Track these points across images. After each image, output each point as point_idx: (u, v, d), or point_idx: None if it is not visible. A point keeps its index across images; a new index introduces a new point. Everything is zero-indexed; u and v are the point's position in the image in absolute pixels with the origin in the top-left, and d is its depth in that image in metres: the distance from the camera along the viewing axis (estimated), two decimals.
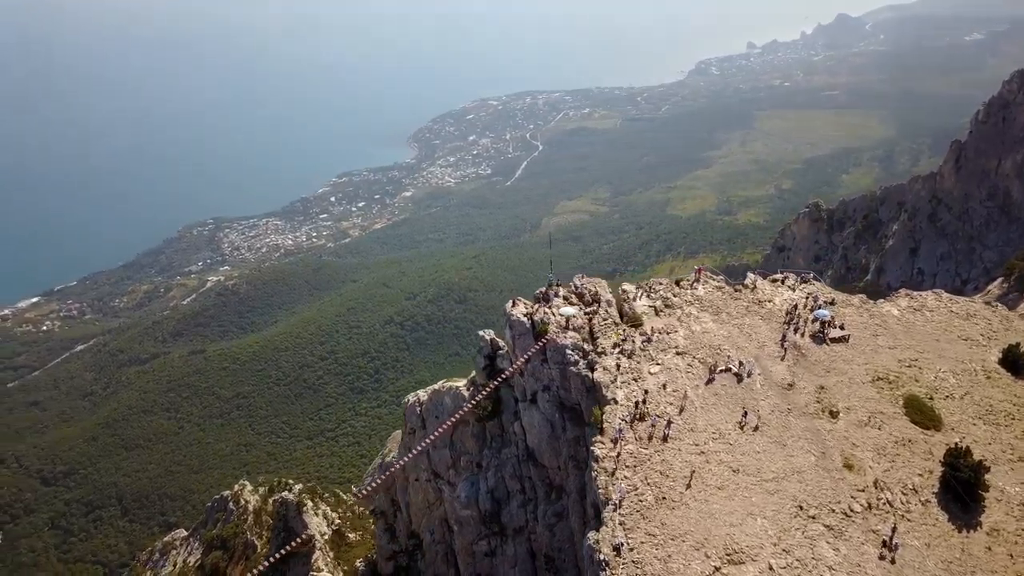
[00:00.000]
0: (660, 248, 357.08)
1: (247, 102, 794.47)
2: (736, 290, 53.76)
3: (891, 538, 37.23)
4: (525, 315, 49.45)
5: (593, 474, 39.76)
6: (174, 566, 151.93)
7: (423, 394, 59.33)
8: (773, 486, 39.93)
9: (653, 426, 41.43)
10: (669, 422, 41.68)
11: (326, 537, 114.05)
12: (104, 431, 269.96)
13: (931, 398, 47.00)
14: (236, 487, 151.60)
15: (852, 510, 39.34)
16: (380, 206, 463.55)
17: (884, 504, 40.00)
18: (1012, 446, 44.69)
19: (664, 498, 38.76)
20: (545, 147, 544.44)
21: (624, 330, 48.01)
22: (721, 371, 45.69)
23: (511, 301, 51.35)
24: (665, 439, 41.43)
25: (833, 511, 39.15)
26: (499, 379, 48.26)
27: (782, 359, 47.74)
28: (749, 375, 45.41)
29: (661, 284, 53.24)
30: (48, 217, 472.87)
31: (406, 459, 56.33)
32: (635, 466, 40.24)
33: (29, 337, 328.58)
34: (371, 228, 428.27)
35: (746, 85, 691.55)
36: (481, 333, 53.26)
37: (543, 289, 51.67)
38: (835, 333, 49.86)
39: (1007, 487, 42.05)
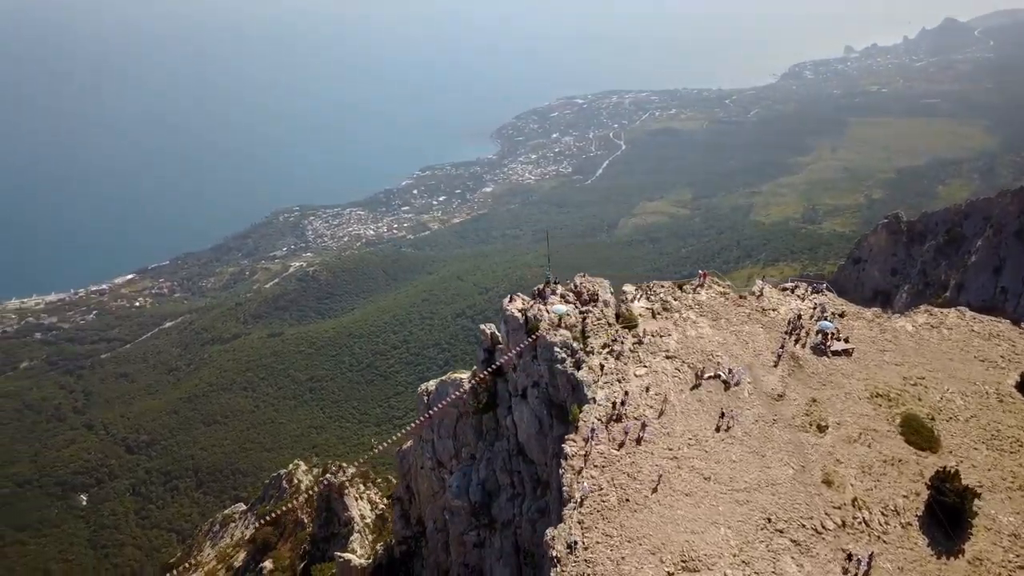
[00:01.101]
0: (739, 254, 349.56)
1: (338, 95, 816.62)
2: (741, 297, 52.85)
3: (868, 563, 36.08)
4: (520, 311, 49.95)
5: (560, 471, 40.03)
6: (231, 538, 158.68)
7: (432, 384, 60.61)
8: (744, 496, 39.34)
9: (627, 429, 41.32)
10: (644, 425, 41.54)
11: (367, 521, 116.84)
12: (185, 405, 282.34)
13: (932, 419, 45.21)
14: (291, 466, 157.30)
15: (824, 527, 38.38)
16: (460, 201, 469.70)
17: (860, 523, 38.84)
18: (1014, 474, 42.59)
19: (627, 500, 38.72)
20: (628, 147, 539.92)
21: (617, 331, 47.92)
22: (708, 377, 45.14)
23: (509, 296, 51.94)
24: (639, 441, 41.31)
25: (803, 526, 38.29)
26: (486, 372, 48.89)
27: (776, 369, 46.72)
28: (737, 383, 44.72)
29: (663, 287, 52.84)
30: (145, 200, 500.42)
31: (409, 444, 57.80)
32: (603, 466, 40.30)
33: (123, 312, 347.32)
34: (450, 222, 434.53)
35: (841, 90, 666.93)
36: (482, 327, 54.09)
37: (541, 286, 52.03)
38: (838, 346, 48.44)
39: (1000, 516, 40.15)
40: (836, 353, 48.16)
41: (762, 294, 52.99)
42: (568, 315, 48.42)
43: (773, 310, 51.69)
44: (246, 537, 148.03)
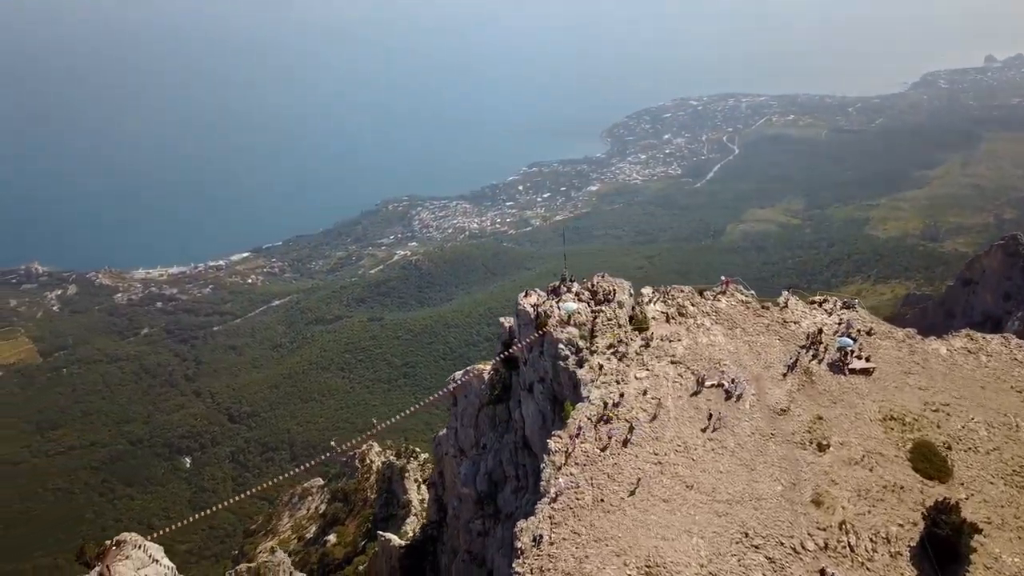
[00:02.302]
0: (850, 268, 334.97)
1: (456, 91, 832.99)
2: (763, 307, 51.43)
3: None
4: (533, 306, 50.43)
5: (542, 465, 40.43)
6: (307, 510, 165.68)
7: (459, 374, 61.84)
8: (724, 508, 38.60)
9: (610, 432, 41.17)
10: (632, 427, 41.36)
11: (425, 503, 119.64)
12: (286, 381, 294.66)
13: (949, 448, 42.88)
14: (364, 447, 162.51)
15: (804, 547, 37.19)
16: (565, 198, 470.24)
17: (844, 548, 37.38)
18: None
19: (602, 500, 38.70)
20: (742, 151, 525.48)
21: (626, 332, 47.71)
22: (710, 385, 44.38)
23: (525, 291, 52.48)
24: (625, 444, 41.16)
25: (782, 544, 37.24)
26: (498, 363, 49.62)
27: (785, 382, 45.40)
28: (740, 394, 43.77)
29: (682, 291, 52.08)
30: (265, 183, 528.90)
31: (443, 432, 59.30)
32: (584, 465, 40.42)
33: (236, 288, 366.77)
34: (552, 219, 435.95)
35: (977, 102, 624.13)
36: (501, 320, 54.93)
37: (556, 282, 52.33)
38: (857, 364, 46.54)
39: (1004, 555, 37.79)
40: (854, 371, 46.30)
41: (786, 305, 51.44)
42: (579, 313, 48.56)
43: (795, 323, 50.12)
44: (319, 511, 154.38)
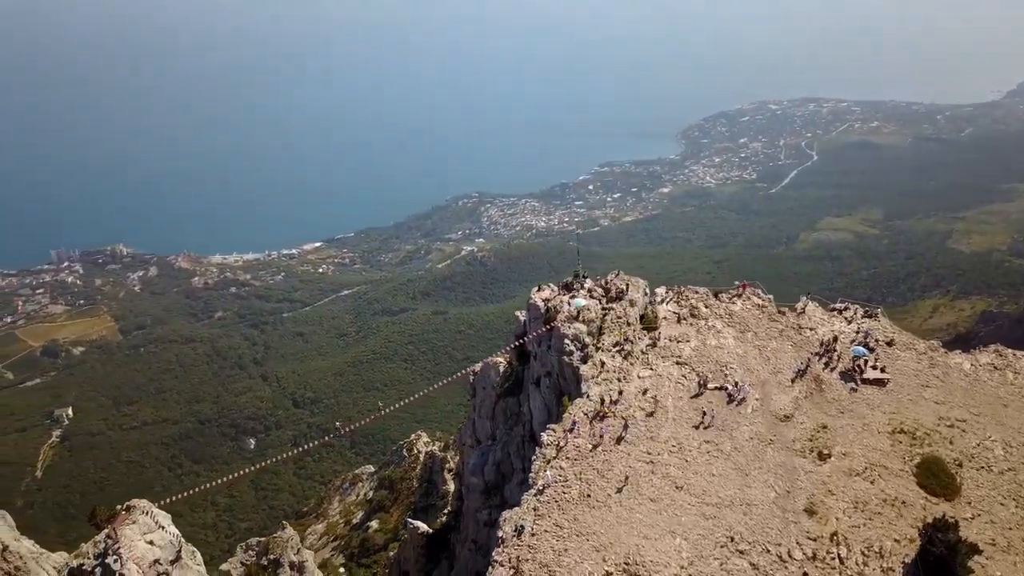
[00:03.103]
0: (928, 282, 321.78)
1: (532, 90, 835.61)
2: (780, 312, 50.39)
3: None
4: (544, 300, 50.63)
5: (533, 457, 40.70)
6: (356, 496, 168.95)
7: (478, 366, 62.48)
8: (712, 511, 38.17)
9: (602, 430, 41.08)
10: (627, 425, 41.22)
11: None
12: (349, 369, 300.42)
13: (960, 465, 41.36)
14: (413, 436, 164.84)
15: (791, 555, 36.52)
16: (635, 199, 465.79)
17: (833, 559, 36.55)
18: None
19: (589, 496, 38.73)
20: (820, 157, 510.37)
21: (634, 331, 47.49)
22: (713, 388, 43.82)
23: (538, 286, 52.74)
24: (619, 441, 41.07)
25: (768, 551, 36.65)
26: (512, 356, 50.02)
27: (792, 389, 44.48)
28: (743, 398, 43.11)
29: (697, 292, 51.46)
30: (340, 176, 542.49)
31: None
32: (575, 459, 40.51)
33: (307, 276, 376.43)
34: (621, 220, 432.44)
35: None
36: (517, 313, 55.22)
37: (570, 278, 52.35)
38: (871, 374, 45.23)
39: None
40: (867, 381, 45.03)
41: (804, 311, 50.28)
42: (588, 309, 48.56)
43: (810, 329, 49.00)
44: (367, 497, 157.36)
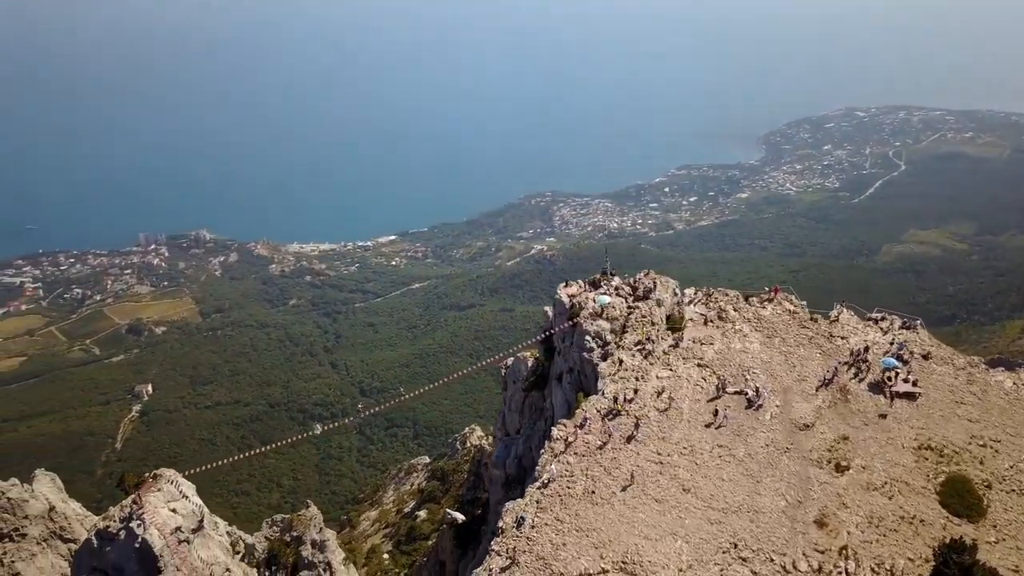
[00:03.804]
0: (1018, 302, 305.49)
1: (605, 86, 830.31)
2: (812, 319, 48.92)
3: None
4: (570, 296, 50.48)
5: (541, 451, 40.75)
6: (410, 486, 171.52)
7: (510, 360, 62.73)
8: (718, 516, 37.48)
9: (611, 428, 40.77)
10: (638, 424, 40.83)
11: None
12: (416, 361, 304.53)
13: (988, 486, 39.48)
14: (467, 429, 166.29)
15: (795, 567, 35.58)
16: (711, 203, 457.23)
17: (840, 573, 35.46)
18: None
19: (593, 492, 38.52)
20: (908, 168, 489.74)
21: (657, 331, 46.92)
22: (733, 392, 42.96)
23: (565, 281, 52.60)
24: (629, 440, 40.71)
25: (771, 560, 35.79)
26: (541, 340, 50.16)
27: (816, 397, 43.22)
28: (761, 404, 42.14)
29: (726, 295, 50.43)
30: (416, 170, 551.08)
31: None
32: (583, 455, 40.34)
33: (380, 268, 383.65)
34: (696, 223, 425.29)
35: None
36: (545, 309, 55.17)
37: (598, 275, 52.01)
38: (902, 387, 43.53)
39: None
40: (897, 394, 43.36)
41: (837, 319, 48.71)
42: (612, 307, 48.19)
43: (842, 338, 47.41)
44: (420, 487, 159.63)
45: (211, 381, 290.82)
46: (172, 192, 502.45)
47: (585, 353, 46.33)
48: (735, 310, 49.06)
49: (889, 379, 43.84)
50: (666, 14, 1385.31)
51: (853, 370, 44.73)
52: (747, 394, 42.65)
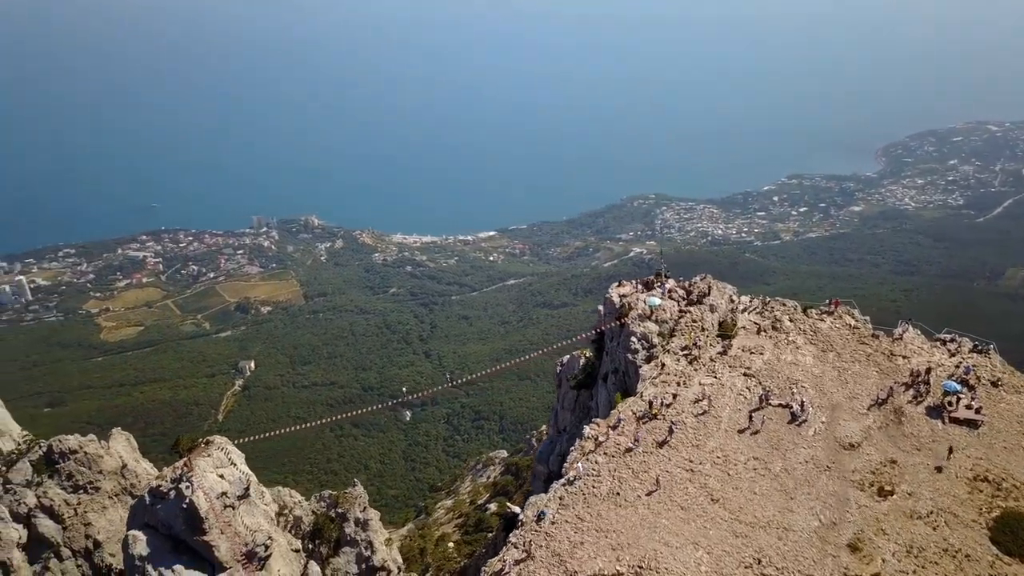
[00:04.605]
0: None
1: (715, 90, 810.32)
2: (873, 335, 46.48)
3: None
4: (620, 296, 49.80)
5: (571, 448, 40.54)
6: (486, 479, 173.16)
7: (565, 358, 62.50)
8: (744, 529, 36.31)
9: (639, 434, 40.06)
10: (671, 430, 40.00)
11: None
12: (506, 356, 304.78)
13: None
14: (543, 427, 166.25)
15: None
16: (822, 215, 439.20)
17: None
18: None
19: (618, 494, 38.01)
20: None
21: (707, 336, 45.75)
22: (776, 404, 41.43)
23: (619, 281, 51.91)
24: (661, 445, 39.95)
25: None
26: (591, 337, 49.76)
27: (867, 417, 41.16)
28: (806, 419, 40.50)
29: (784, 305, 48.53)
30: (519, 168, 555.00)
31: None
32: (613, 456, 39.85)
33: (478, 263, 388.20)
34: (805, 235, 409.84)
35: None
36: (599, 307, 54.59)
37: (652, 276, 51.07)
38: (964, 413, 40.88)
39: None
40: (957, 420, 40.78)
41: (900, 337, 46.14)
42: (662, 309, 47.27)
43: (904, 357, 44.86)
44: (494, 480, 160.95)
45: (309, 362, 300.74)
46: (285, 179, 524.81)
47: (629, 354, 45.68)
48: (791, 321, 47.27)
49: (950, 404, 41.29)
50: (775, 14, 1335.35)
51: (911, 392, 42.32)
52: (791, 407, 41.06)
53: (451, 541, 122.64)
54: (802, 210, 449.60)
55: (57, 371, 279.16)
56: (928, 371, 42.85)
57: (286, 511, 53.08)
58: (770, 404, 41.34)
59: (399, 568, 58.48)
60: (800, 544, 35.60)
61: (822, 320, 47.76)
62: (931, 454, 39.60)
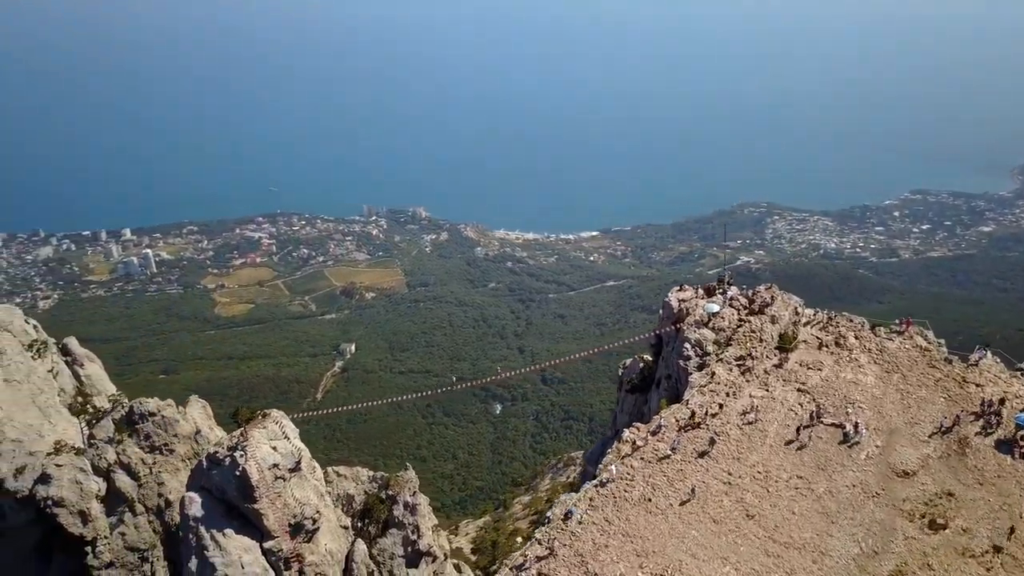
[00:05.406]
0: None
1: (833, 97, 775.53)
2: (947, 360, 43.56)
3: None
4: (680, 301, 48.63)
5: (608, 450, 40.03)
6: (565, 478, 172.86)
7: (627, 361, 61.61)
8: (778, 549, 34.92)
9: (675, 443, 39.06)
10: (713, 440, 38.88)
11: None
12: (599, 358, 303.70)
13: None
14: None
15: None
16: (947, 234, 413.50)
17: None
18: None
19: (649, 500, 37.26)
20: None
21: (765, 348, 44.11)
22: (828, 423, 39.56)
23: (680, 285, 50.71)
24: (701, 455, 38.88)
25: None
26: (653, 341, 48.93)
27: (927, 445, 38.74)
28: (858, 442, 38.53)
29: (850, 321, 46.07)
30: (627, 169, 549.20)
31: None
32: (649, 461, 39.07)
33: (578, 262, 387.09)
34: (925, 254, 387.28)
35: None
36: (659, 311, 53.51)
37: (715, 282, 49.58)
38: None
39: None
40: None
41: (976, 364, 43.07)
42: (720, 317, 45.89)
43: (977, 385, 41.79)
44: (571, 481, 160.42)
45: (407, 349, 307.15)
46: (397, 169, 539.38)
47: (682, 360, 44.66)
48: (856, 338, 44.94)
49: (1023, 438, 38.35)
50: (902, 16, 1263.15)
51: (981, 422, 39.51)
52: (844, 428, 39.11)
53: (519, 537, 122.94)
54: (925, 227, 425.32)
55: (173, 341, 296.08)
56: (1002, 402, 39.83)
57: (340, 494, 54.64)
58: (822, 422, 39.53)
59: (445, 555, 59.24)
60: (836, 570, 33.99)
61: (891, 339, 45.20)
62: (995, 490, 36.88)
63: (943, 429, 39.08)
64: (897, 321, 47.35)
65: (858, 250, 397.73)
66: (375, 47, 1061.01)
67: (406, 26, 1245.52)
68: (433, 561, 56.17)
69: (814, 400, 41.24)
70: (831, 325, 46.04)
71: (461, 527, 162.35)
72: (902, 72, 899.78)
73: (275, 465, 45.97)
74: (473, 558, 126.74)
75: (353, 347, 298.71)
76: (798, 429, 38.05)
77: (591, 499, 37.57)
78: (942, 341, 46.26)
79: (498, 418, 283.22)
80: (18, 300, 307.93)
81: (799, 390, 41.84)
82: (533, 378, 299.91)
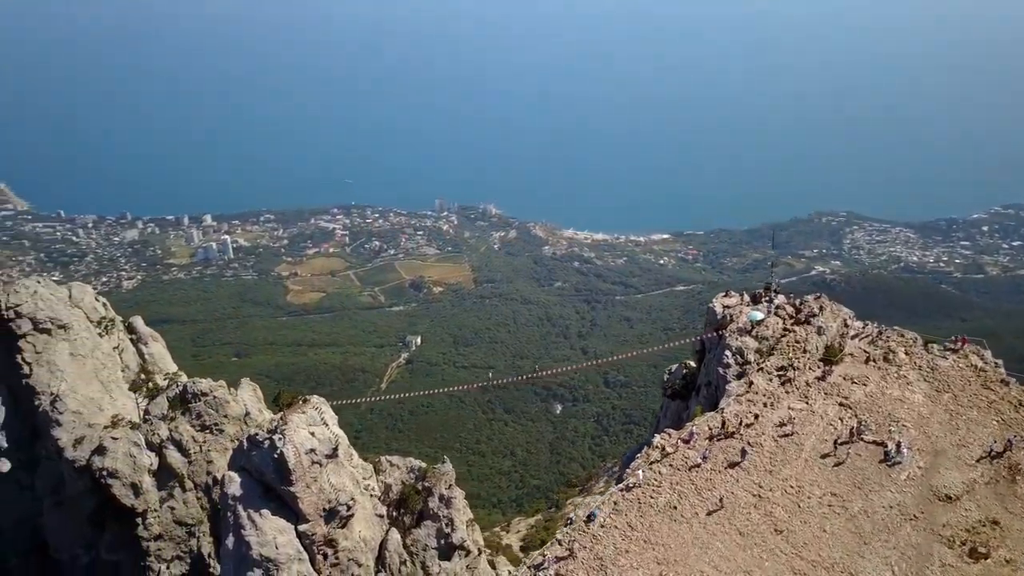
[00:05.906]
0: None
1: (917, 103, 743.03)
2: (1004, 382, 41.29)
3: None
4: (724, 307, 47.47)
5: (637, 455, 39.45)
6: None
7: (673, 367, 60.57)
8: (804, 567, 33.79)
9: (706, 452, 38.16)
10: (744, 451, 37.87)
11: None
12: (664, 363, 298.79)
13: None
14: None
15: None
16: None
17: None
18: None
19: (675, 508, 36.54)
20: None
21: (809, 359, 42.71)
22: (869, 440, 38.04)
23: (726, 291, 49.50)
24: (732, 466, 37.92)
25: None
26: (698, 347, 48.02)
27: (974, 469, 36.89)
28: (900, 462, 36.95)
29: (902, 336, 44.10)
30: (704, 172, 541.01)
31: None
32: (677, 469, 38.32)
33: (647, 265, 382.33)
34: (1016, 271, 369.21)
35: None
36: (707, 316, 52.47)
37: (760, 289, 48.19)
38: None
39: None
40: None
41: None
42: (764, 325, 44.61)
43: None
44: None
45: (471, 344, 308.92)
46: (468, 166, 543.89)
47: (722, 368, 43.67)
48: (907, 354, 43.06)
49: None
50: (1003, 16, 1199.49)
51: None
52: (886, 446, 37.56)
53: None
54: (1015, 244, 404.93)
55: (247, 326, 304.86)
56: None
57: (376, 477, 55.31)
58: (862, 439, 38.06)
59: (479, 550, 59.32)
60: None
61: (944, 358, 43.19)
62: None
63: (993, 454, 37.16)
64: (952, 339, 45.23)
65: (941, 264, 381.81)
66: (453, 47, 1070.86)
67: (483, 26, 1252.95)
68: (467, 555, 56.37)
69: (856, 416, 39.74)
70: (880, 339, 44.29)
71: (513, 524, 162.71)
72: (991, 76, 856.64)
73: (312, 450, 46.84)
74: (521, 556, 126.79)
75: (419, 339, 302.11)
76: (836, 444, 36.62)
77: (615, 503, 37.09)
78: (999, 362, 43.96)
79: (558, 418, 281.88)
80: (104, 279, 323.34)
81: (841, 404, 40.40)
82: (596, 379, 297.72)
